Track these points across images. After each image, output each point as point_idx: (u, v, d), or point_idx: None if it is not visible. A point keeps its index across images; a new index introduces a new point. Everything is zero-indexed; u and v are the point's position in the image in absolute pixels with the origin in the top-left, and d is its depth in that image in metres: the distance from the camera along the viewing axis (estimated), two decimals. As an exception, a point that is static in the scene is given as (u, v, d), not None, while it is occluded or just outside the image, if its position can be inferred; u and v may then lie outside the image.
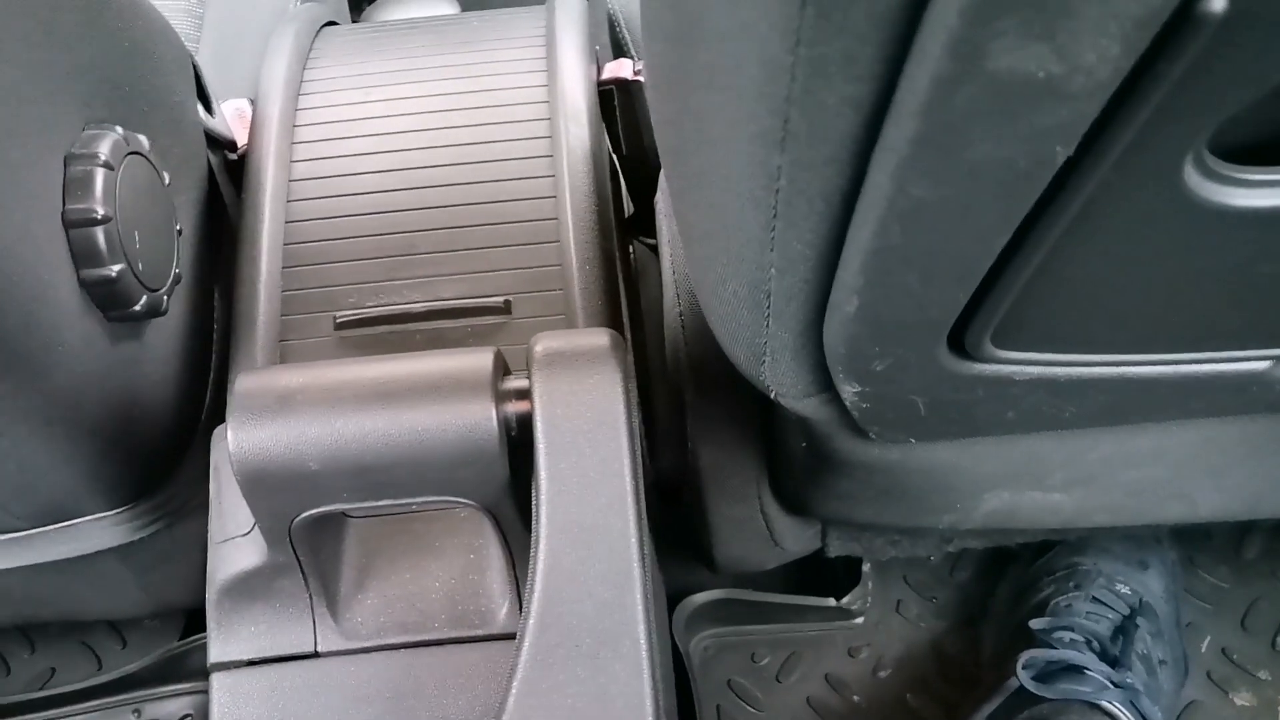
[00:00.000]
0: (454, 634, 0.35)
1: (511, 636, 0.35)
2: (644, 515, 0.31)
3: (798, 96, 0.20)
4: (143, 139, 0.40)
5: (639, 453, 0.31)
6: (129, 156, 0.38)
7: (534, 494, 0.31)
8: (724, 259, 0.28)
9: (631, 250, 0.60)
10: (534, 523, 0.30)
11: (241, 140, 0.53)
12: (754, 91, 0.20)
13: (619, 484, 0.30)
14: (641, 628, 0.29)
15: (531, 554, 0.30)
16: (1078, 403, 0.33)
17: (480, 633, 0.35)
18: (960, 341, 0.29)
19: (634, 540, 0.30)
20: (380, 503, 0.32)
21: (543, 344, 0.32)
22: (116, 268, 0.36)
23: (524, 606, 0.29)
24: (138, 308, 0.38)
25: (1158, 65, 0.18)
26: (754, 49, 0.19)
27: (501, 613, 0.35)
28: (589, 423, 0.31)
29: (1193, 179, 0.22)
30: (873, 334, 0.28)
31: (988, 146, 0.20)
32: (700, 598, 0.66)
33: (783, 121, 0.20)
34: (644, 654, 0.29)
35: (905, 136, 0.20)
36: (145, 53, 0.42)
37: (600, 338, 0.33)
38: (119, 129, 0.38)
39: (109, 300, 0.36)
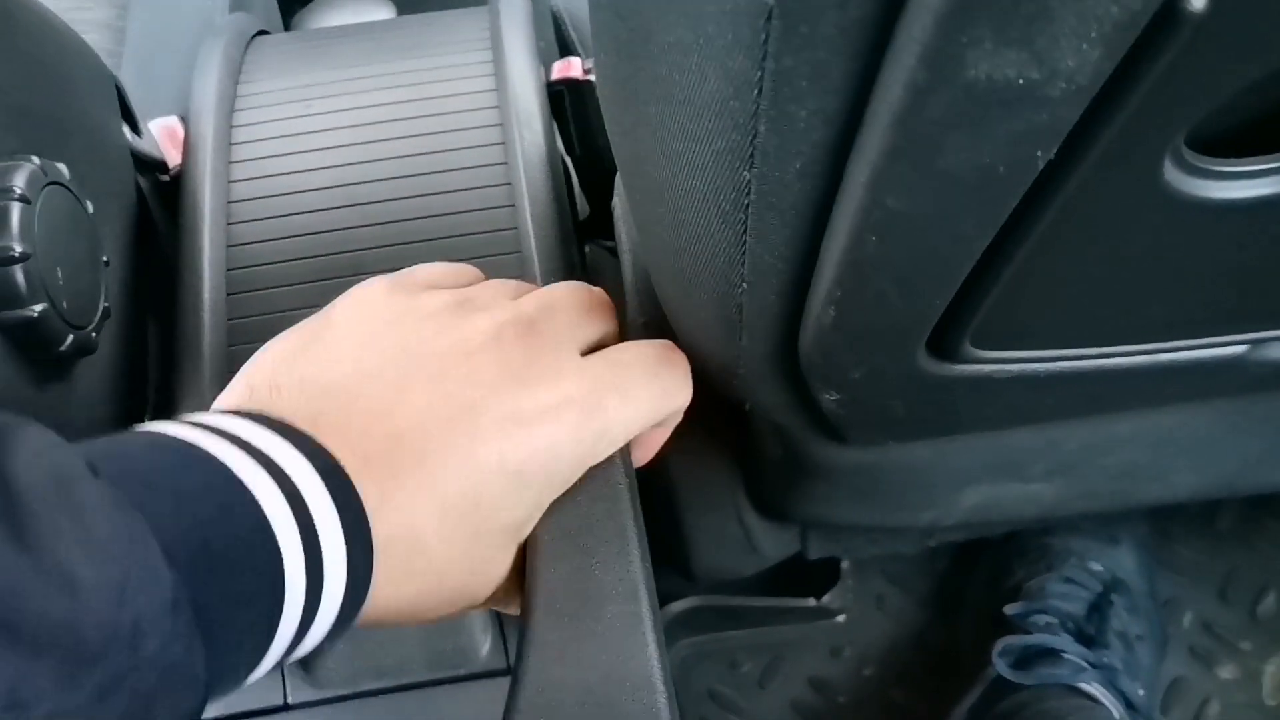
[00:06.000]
0: (433, 675, 0.33)
1: (495, 674, 0.33)
2: (643, 526, 0.28)
3: (765, 111, 0.18)
4: (62, 167, 0.37)
5: (630, 461, 0.30)
6: (47, 187, 0.35)
7: None
8: (690, 273, 0.27)
9: (587, 252, 0.59)
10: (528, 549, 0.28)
11: (173, 161, 0.51)
12: (716, 107, 0.19)
13: (615, 489, 0.28)
14: (655, 664, 0.25)
15: (525, 580, 0.27)
16: (1057, 396, 0.33)
17: (461, 672, 0.33)
18: (939, 344, 0.28)
19: (636, 554, 0.27)
20: None
21: None
22: (38, 307, 0.33)
23: (520, 642, 0.27)
24: (64, 348, 0.35)
25: (1139, 66, 0.17)
26: (715, 63, 0.18)
27: (484, 650, 0.34)
28: None
29: (1171, 174, 0.22)
30: (850, 343, 0.27)
31: (965, 154, 0.19)
32: (677, 606, 0.65)
33: (750, 137, 0.19)
34: (661, 700, 0.26)
35: (879, 148, 0.19)
36: (60, 74, 0.40)
37: None
38: (35, 159, 0.35)
39: (32, 342, 0.34)
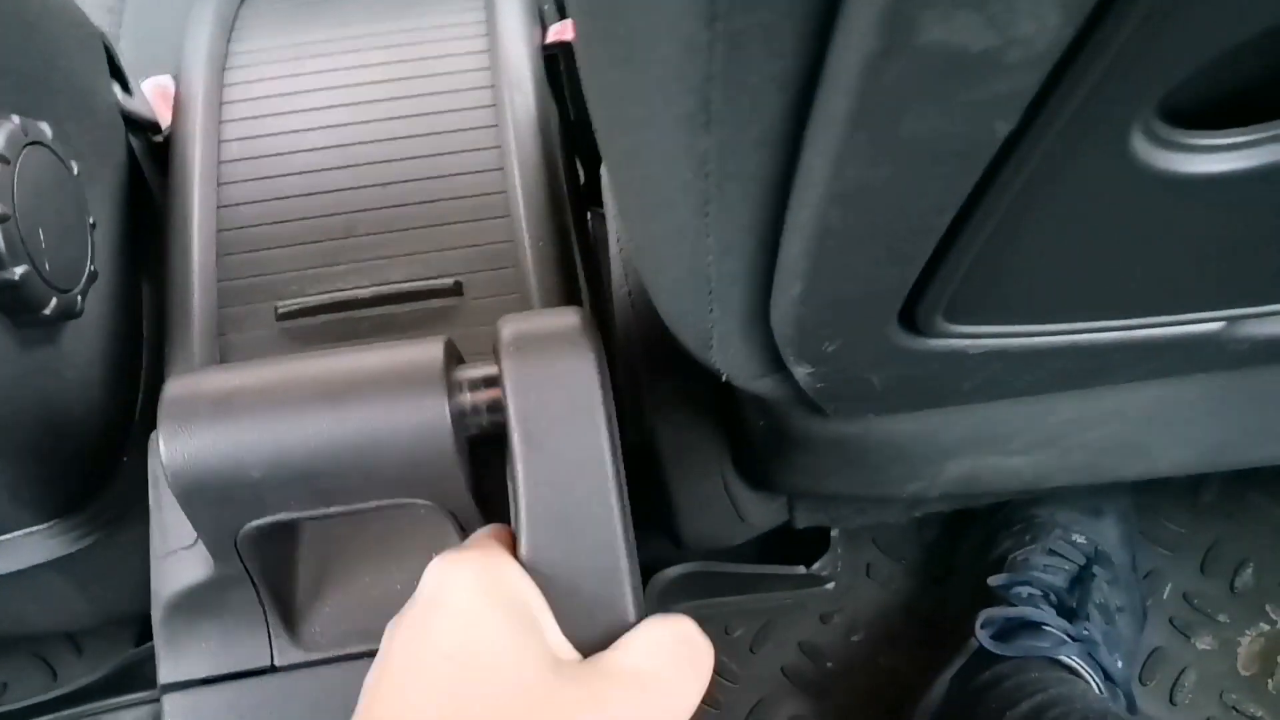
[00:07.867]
0: None
1: None
2: (627, 504, 0.29)
3: (718, 75, 0.18)
4: (44, 127, 0.37)
5: (617, 437, 0.30)
6: (28, 147, 0.35)
7: (510, 487, 0.29)
8: (662, 242, 0.27)
9: (589, 219, 0.58)
10: (514, 518, 0.29)
11: (165, 121, 0.50)
12: (672, 70, 0.19)
13: (600, 472, 0.28)
14: (633, 622, 0.28)
15: (514, 551, 0.28)
16: (1034, 371, 0.33)
17: None
18: (912, 318, 0.28)
19: (619, 531, 0.28)
20: (331, 509, 0.31)
21: (510, 327, 0.30)
22: (19, 270, 0.33)
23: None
24: (48, 311, 0.35)
25: (1100, 33, 0.17)
26: (667, 24, 0.18)
27: None
28: (565, 410, 0.28)
29: (1141, 147, 0.21)
30: (821, 316, 0.27)
31: (924, 124, 0.18)
32: (672, 572, 0.66)
33: (704, 102, 0.19)
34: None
35: (836, 116, 0.18)
36: (43, 32, 0.39)
37: (570, 317, 0.30)
38: (15, 118, 0.35)
39: (14, 305, 0.34)
